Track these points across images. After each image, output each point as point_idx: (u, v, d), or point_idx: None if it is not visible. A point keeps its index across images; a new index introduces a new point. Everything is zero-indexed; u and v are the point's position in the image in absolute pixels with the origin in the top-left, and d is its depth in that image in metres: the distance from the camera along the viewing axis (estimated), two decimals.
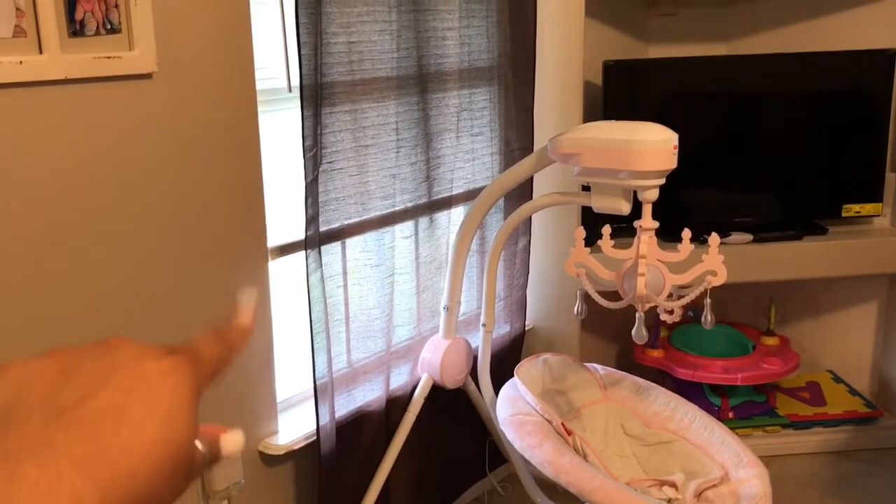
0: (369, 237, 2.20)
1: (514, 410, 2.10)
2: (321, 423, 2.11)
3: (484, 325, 2.37)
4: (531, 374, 2.24)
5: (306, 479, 2.23)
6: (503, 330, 2.78)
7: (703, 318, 1.96)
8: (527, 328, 2.89)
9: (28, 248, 1.56)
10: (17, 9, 1.47)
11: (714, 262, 1.92)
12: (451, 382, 2.38)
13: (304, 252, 2.01)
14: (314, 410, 2.11)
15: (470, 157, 2.48)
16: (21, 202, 1.54)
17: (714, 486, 2.05)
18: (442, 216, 2.43)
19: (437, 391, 2.43)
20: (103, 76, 1.62)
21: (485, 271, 2.47)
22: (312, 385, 2.08)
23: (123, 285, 1.73)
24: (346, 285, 2.15)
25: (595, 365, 2.38)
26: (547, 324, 2.91)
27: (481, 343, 2.39)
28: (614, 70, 2.85)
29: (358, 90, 2.06)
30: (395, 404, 2.35)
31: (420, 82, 2.23)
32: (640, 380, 2.34)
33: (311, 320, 2.03)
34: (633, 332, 1.92)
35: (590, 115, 2.81)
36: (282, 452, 2.09)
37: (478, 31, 2.38)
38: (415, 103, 2.22)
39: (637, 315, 1.91)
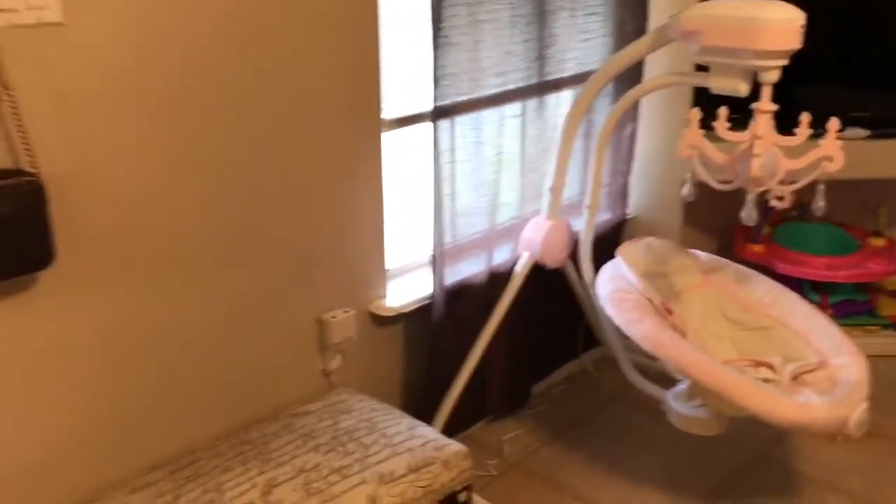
0: (480, 115, 2.24)
1: (614, 287, 2.16)
2: (434, 289, 2.22)
3: (588, 206, 2.40)
4: (633, 255, 2.28)
5: (413, 340, 2.36)
6: (604, 217, 2.81)
7: (814, 205, 1.95)
8: (628, 216, 2.91)
9: (167, 102, 1.67)
10: None
11: (831, 147, 1.89)
12: (551, 262, 2.44)
13: (421, 126, 2.07)
14: (424, 278, 2.21)
15: (584, 36, 2.46)
16: (166, 57, 1.63)
17: (811, 371, 2.08)
18: (551, 98, 2.44)
19: (536, 271, 2.50)
20: None
21: (591, 155, 2.48)
22: (431, 254, 2.18)
23: (243, 147, 1.83)
24: (454, 162, 2.21)
25: (698, 251, 2.40)
26: (649, 213, 2.92)
27: (584, 225, 2.43)
28: None
29: None
30: (497, 279, 2.43)
31: None
32: (743, 267, 2.35)
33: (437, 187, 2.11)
34: (743, 213, 1.93)
35: None
36: (392, 314, 2.21)
37: None
38: None
39: (748, 197, 1.91)
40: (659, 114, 2.77)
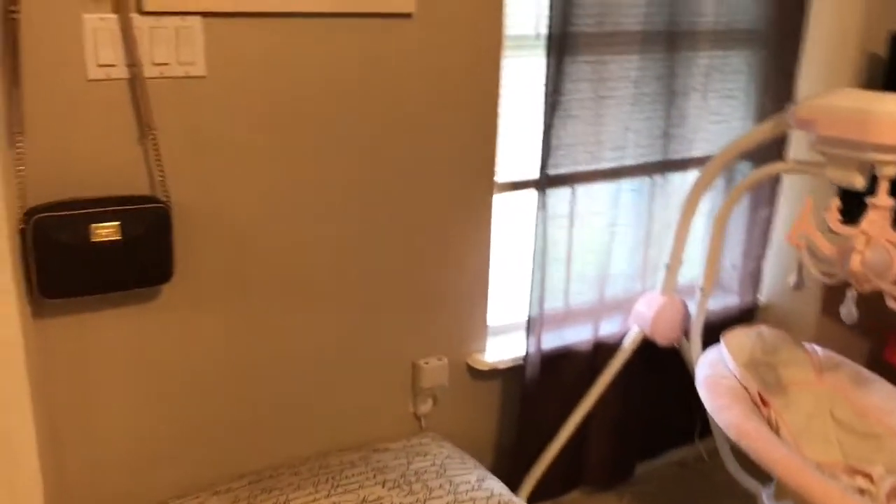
0: (594, 186, 2.29)
1: (711, 372, 2.11)
2: (529, 351, 2.28)
3: (701, 288, 2.37)
4: (740, 342, 2.21)
5: (510, 399, 2.42)
6: (732, 300, 2.73)
7: None
8: (760, 303, 2.81)
9: (296, 148, 1.88)
10: None
11: None
12: (661, 339, 2.41)
13: (530, 191, 2.16)
14: (523, 337, 2.28)
15: (717, 118, 2.45)
16: (300, 121, 1.85)
17: None
18: (677, 175, 2.44)
19: (652, 349, 2.48)
20: (370, 12, 1.87)
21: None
22: (527, 314, 2.25)
23: (363, 195, 2.00)
24: (568, 227, 2.27)
25: (815, 346, 2.29)
26: (782, 301, 2.81)
27: (697, 306, 2.39)
28: None
29: (603, 41, 2.14)
30: (604, 349, 2.44)
31: (668, 39, 2.25)
32: (864, 370, 2.21)
33: (539, 253, 2.19)
34: (842, 309, 1.84)
35: (870, 88, 2.63)
36: (487, 368, 2.29)
37: None
38: (659, 59, 2.25)
39: (848, 293, 1.83)
40: (800, 199, 2.68)
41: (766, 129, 2.06)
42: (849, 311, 1.84)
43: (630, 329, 2.45)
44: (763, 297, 2.82)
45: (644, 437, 2.70)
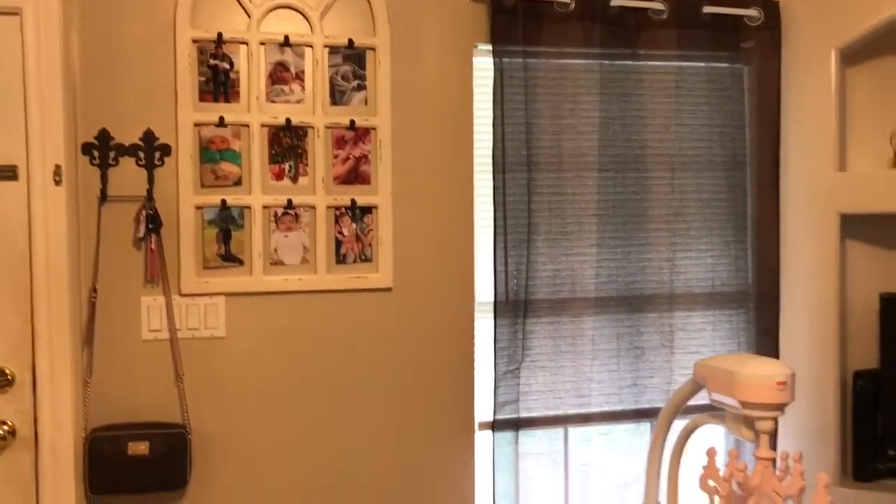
0: (560, 429, 2.63)
1: None
2: None
3: None
4: None
5: None
6: None
7: None
8: None
9: (308, 403, 2.46)
10: (304, 247, 2.44)
11: (821, 502, 1.93)
12: None
13: (500, 431, 2.56)
14: None
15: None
16: (298, 371, 2.46)
17: None
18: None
19: None
20: (356, 289, 2.49)
21: None
22: None
23: (357, 444, 2.51)
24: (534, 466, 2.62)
25: None
26: None
27: None
28: (893, 303, 2.76)
29: (557, 306, 2.59)
30: None
31: (628, 302, 2.65)
32: None
33: (493, 491, 2.55)
34: None
35: (861, 348, 2.78)
36: None
37: (696, 262, 2.70)
38: (619, 320, 2.64)
39: None
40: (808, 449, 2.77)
41: (687, 387, 2.34)
42: None
43: None
44: None
45: None
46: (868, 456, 2.72)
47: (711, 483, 2.14)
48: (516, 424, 2.59)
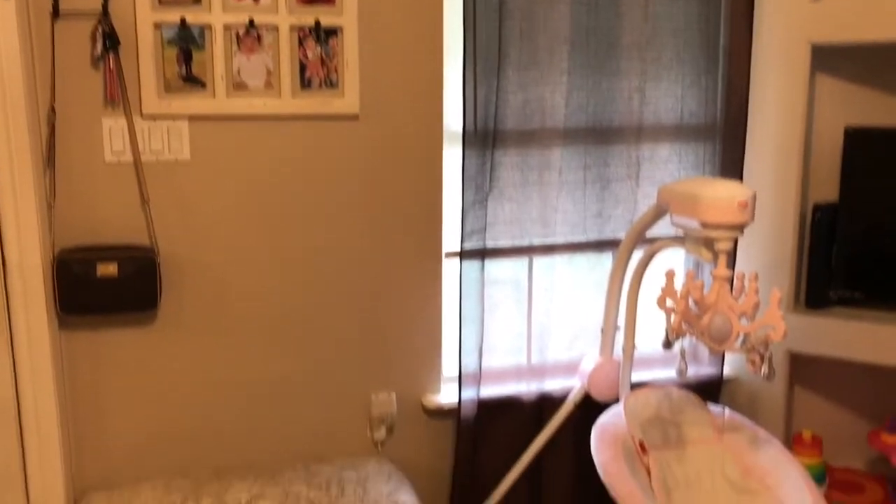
0: (525, 259, 2.69)
1: (605, 420, 2.40)
2: (463, 398, 2.67)
3: (623, 349, 2.65)
4: (646, 399, 2.48)
5: (464, 441, 2.80)
6: (701, 370, 2.95)
7: (762, 372, 2.05)
8: (726, 377, 2.99)
9: (266, 234, 2.47)
10: (268, 70, 2.38)
11: (773, 317, 2.01)
12: (598, 395, 2.70)
13: (467, 260, 2.60)
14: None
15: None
16: (265, 197, 2.45)
17: None
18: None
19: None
20: (321, 114, 2.45)
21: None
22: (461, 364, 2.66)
23: (324, 269, 2.54)
24: (499, 293, 2.68)
25: (725, 409, 2.49)
26: (750, 377, 2.97)
27: (622, 366, 2.67)
28: (857, 137, 2.79)
29: (526, 137, 2.58)
30: (550, 403, 2.77)
31: (597, 133, 2.65)
32: (764, 433, 2.39)
33: (460, 314, 2.62)
34: (678, 365, 2.11)
35: (822, 182, 2.83)
36: (434, 407, 2.71)
37: (666, 92, 2.68)
38: (586, 152, 2.65)
39: (680, 347, 2.11)
40: (764, 278, 2.87)
41: (650, 213, 2.38)
42: (678, 367, 2.10)
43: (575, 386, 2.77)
44: (729, 371, 3.00)
45: (605, 493, 2.93)
46: (821, 285, 2.83)
47: (669, 303, 2.22)
48: (482, 254, 2.63)
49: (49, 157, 2.26)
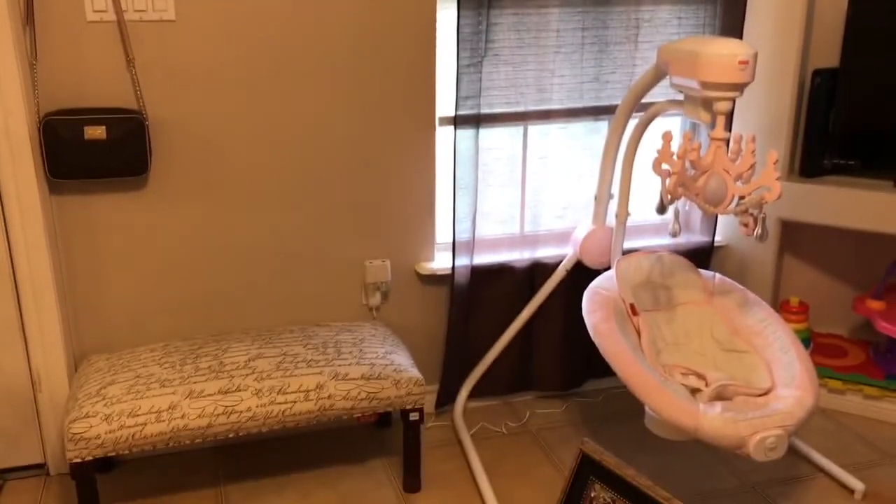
0: (520, 126, 2.65)
1: (597, 284, 2.43)
2: (456, 264, 2.69)
3: (616, 215, 2.66)
4: (638, 263, 2.50)
5: (457, 306, 2.84)
6: (696, 239, 2.97)
7: (755, 233, 2.07)
8: (717, 244, 3.02)
9: (256, 73, 2.41)
10: None
11: (769, 177, 2.01)
12: (589, 262, 2.73)
13: (461, 126, 2.56)
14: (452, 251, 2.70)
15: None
16: (253, 59, 2.38)
17: (754, 395, 2.16)
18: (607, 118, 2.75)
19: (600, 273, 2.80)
20: None
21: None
22: (454, 231, 2.67)
23: (315, 132, 2.50)
24: (492, 161, 2.66)
25: (716, 274, 2.52)
26: (740, 243, 3.00)
27: (614, 232, 2.68)
28: (861, 2, 2.70)
29: None
30: (542, 269, 2.80)
31: None
32: (753, 296, 2.43)
33: (454, 182, 2.60)
34: (670, 227, 2.12)
35: (824, 47, 2.77)
36: (427, 273, 2.73)
37: None
38: (584, 12, 2.57)
39: (674, 209, 2.11)
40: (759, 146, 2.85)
41: (649, 74, 2.34)
42: (671, 227, 2.11)
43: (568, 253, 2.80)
44: (720, 237, 3.03)
45: (592, 355, 3.01)
46: (816, 152, 2.82)
47: (665, 166, 2.21)
48: (477, 120, 2.59)
49: (28, 15, 2.17)
